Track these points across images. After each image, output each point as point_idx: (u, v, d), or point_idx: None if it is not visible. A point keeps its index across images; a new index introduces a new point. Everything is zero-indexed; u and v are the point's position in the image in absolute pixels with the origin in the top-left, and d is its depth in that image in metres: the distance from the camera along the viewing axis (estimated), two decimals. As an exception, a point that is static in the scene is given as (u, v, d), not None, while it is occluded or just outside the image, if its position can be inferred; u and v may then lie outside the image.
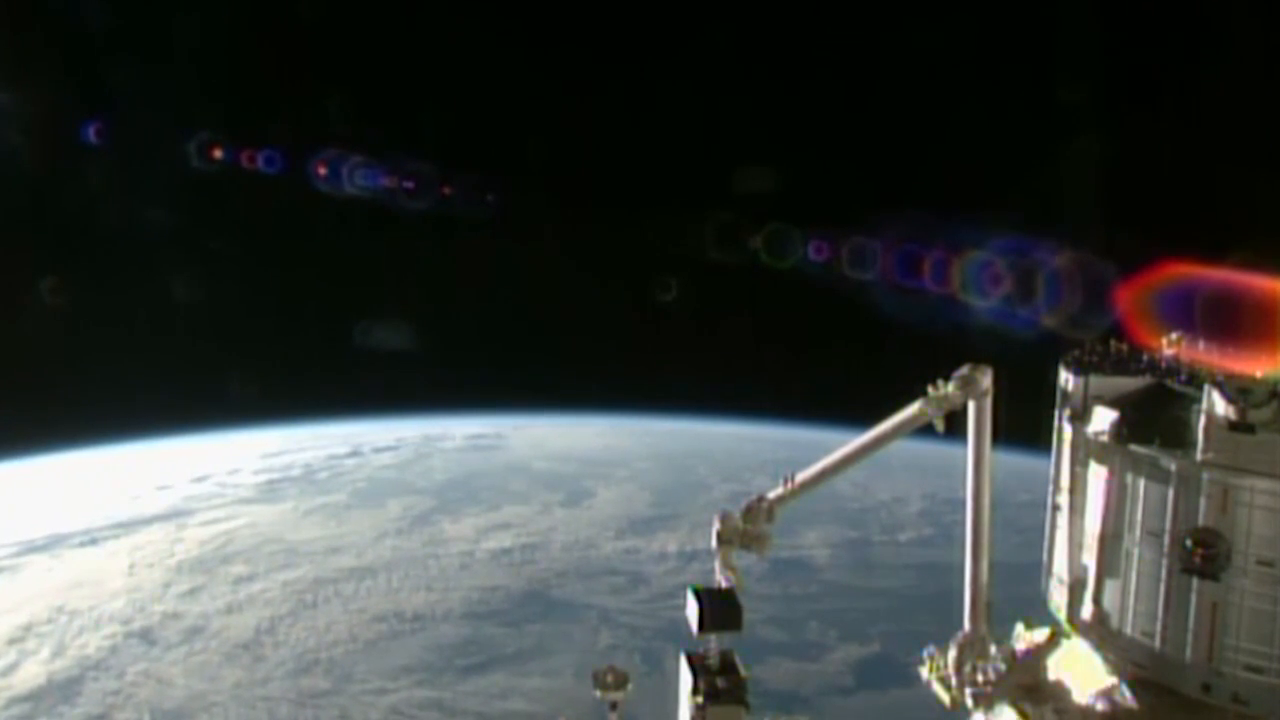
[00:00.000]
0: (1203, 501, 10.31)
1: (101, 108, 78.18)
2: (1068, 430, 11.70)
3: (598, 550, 68.45)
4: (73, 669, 52.69)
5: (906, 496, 75.16)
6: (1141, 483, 10.80)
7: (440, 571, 64.86)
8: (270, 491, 78.23)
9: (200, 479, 79.93)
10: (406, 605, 60.06)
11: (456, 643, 56.15)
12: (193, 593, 60.97)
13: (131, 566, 64.21)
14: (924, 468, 64.14)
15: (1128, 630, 10.92)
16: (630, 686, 12.11)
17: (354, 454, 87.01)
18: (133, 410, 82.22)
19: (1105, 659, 11.31)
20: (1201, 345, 11.30)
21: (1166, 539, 10.53)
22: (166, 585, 61.84)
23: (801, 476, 13.33)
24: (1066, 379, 11.85)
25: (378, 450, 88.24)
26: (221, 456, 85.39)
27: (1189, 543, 10.32)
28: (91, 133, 75.51)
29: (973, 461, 12.00)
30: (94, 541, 67.91)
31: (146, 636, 55.96)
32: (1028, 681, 11.48)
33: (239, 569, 64.33)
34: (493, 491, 78.20)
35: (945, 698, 11.88)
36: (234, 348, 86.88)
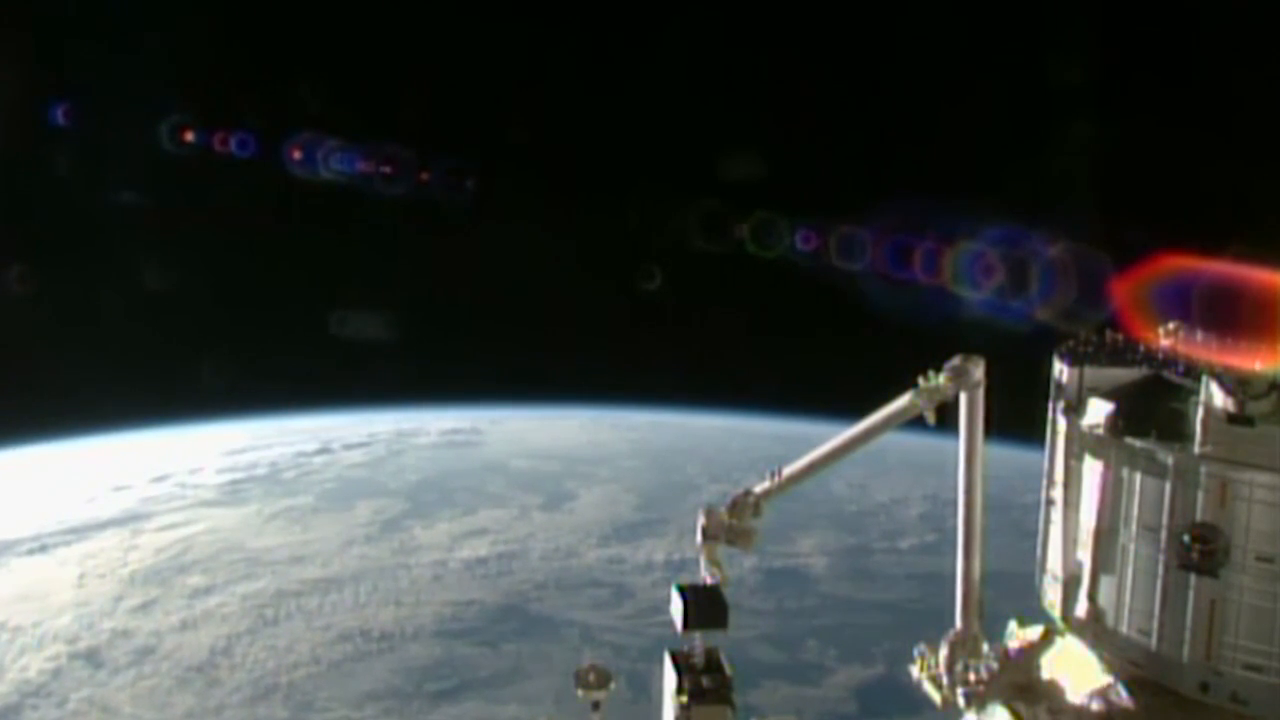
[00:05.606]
0: (1200, 496, 10.53)
1: (70, 89, 78.60)
2: (1062, 423, 11.97)
3: (579, 559, 68.50)
4: (10, 695, 52.37)
5: (906, 498, 75.44)
6: (1138, 476, 11.04)
7: (411, 583, 64.80)
8: (233, 493, 78.17)
9: (160, 479, 79.84)
10: (374, 622, 59.99)
11: (427, 664, 56.05)
12: (145, 607, 60.80)
13: (82, 577, 64.00)
14: (922, 465, 64.52)
15: (1123, 628, 11.18)
16: (613, 686, 12.48)
17: (323, 451, 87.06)
18: (94, 403, 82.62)
19: (1100, 657, 11.58)
20: (1199, 337, 11.57)
21: (1163, 534, 10.77)
22: (118, 599, 61.71)
23: (789, 471, 13.61)
24: (1061, 370, 12.14)
25: (348, 447, 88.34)
26: (184, 453, 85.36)
27: (1186, 538, 10.56)
28: (60, 115, 75.81)
29: (965, 455, 12.28)
30: (44, 549, 67.73)
31: (93, 658, 55.68)
32: (1021, 681, 11.74)
33: (196, 580, 64.17)
34: (468, 493, 78.28)
35: (937, 697, 12.15)
36: (202, 338, 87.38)
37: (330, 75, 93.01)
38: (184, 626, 59.03)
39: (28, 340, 78.23)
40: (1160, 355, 12.01)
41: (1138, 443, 11.11)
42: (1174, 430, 11.02)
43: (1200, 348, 11.48)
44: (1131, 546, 11.15)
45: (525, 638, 58.66)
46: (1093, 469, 11.62)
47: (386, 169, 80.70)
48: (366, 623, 59.94)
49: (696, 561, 13.92)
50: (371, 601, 62.47)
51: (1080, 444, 11.81)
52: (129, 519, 72.79)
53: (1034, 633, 12.08)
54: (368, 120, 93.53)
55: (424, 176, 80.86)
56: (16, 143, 77.08)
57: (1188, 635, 10.67)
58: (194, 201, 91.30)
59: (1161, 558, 10.84)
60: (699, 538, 13.69)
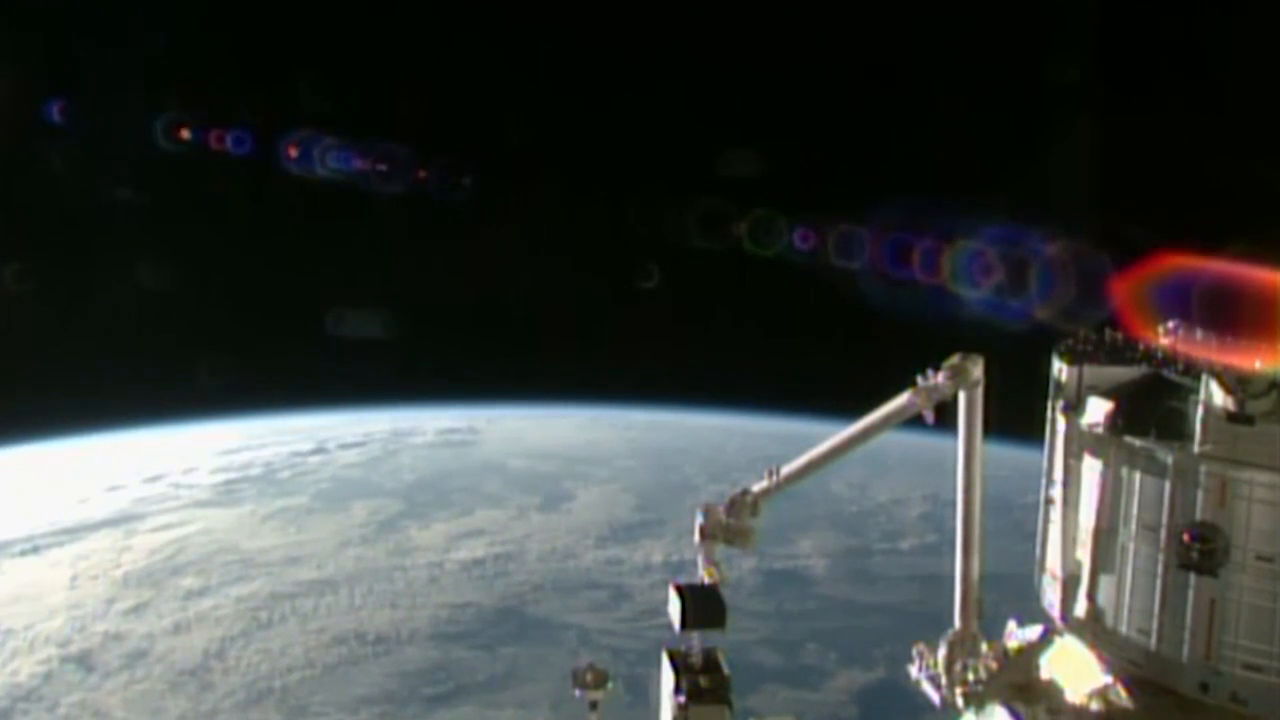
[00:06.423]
0: (1200, 495, 10.58)
1: (66, 86, 78.88)
2: (1061, 422, 12.01)
3: (577, 561, 68.52)
4: (1, 699, 52.31)
5: (906, 498, 75.52)
6: (1137, 475, 11.10)
7: (407, 585, 64.78)
8: (227, 493, 78.20)
9: (153, 479, 79.84)
10: (369, 625, 59.96)
11: (423, 668, 56.00)
12: (138, 610, 60.76)
13: (74, 579, 63.98)
14: (922, 464, 64.59)
15: (1123, 628, 11.24)
16: (611, 685, 12.56)
17: (318, 450, 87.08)
18: (87, 402, 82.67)
19: (1100, 657, 11.65)
20: (1199, 336, 11.61)
21: (1163, 533, 10.82)
22: (110, 601, 61.67)
23: (787, 470, 13.66)
24: (1060, 369, 12.19)
25: (344, 446, 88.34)
26: (178, 453, 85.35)
27: (1186, 537, 10.61)
28: (55, 111, 76.08)
29: (963, 454, 12.30)
30: (36, 550, 67.74)
31: (85, 661, 55.60)
32: (1020, 680, 11.74)
33: (189, 582, 64.16)
34: (465, 493, 78.29)
35: (935, 697, 12.22)
36: (197, 336, 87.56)
37: (327, 73, 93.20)
38: (177, 629, 58.99)
39: (20, 339, 78.40)
40: (1160, 354, 12.04)
41: (1137, 442, 11.15)
42: (1174, 429, 11.06)
43: (1200, 346, 11.51)
44: (1131, 546, 11.20)
45: (522, 640, 58.66)
46: (1092, 468, 11.68)
47: (383, 167, 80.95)
48: (362, 625, 59.92)
49: (695, 562, 13.98)
50: (367, 604, 62.47)
51: (1079, 443, 11.86)
52: (122, 520, 72.77)
53: (1033, 632, 12.10)
54: (365, 118, 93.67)
55: (421, 174, 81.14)
56: (12, 140, 77.32)
57: (1187, 635, 10.72)
58: (189, 199, 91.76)
59: (1161, 557, 10.89)
60: (697, 537, 13.77)
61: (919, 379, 12.51)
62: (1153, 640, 10.99)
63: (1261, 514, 10.42)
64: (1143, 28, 76.19)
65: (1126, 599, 11.26)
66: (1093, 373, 12.05)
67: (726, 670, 12.81)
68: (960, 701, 11.94)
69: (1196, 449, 10.74)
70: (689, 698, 12.48)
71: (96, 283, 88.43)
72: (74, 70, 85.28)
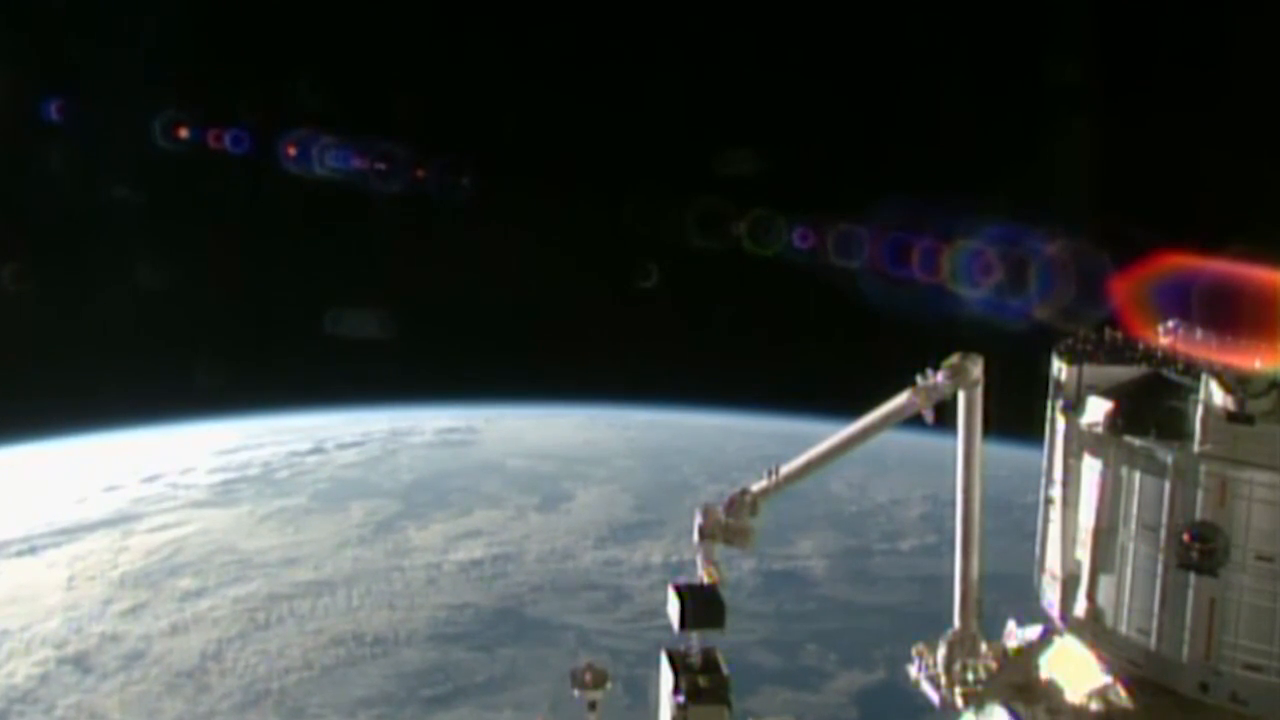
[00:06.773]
0: (1200, 494, 10.59)
1: (64, 85, 78.99)
2: (1061, 421, 12.03)
3: (576, 561, 68.49)
4: (-5, 702, 52.28)
5: (906, 498, 75.53)
6: (1137, 475, 11.11)
7: (405, 586, 64.73)
8: (225, 493, 78.14)
9: (151, 479, 79.77)
10: (367, 626, 59.83)
11: (421, 669, 55.94)
12: (135, 611, 60.70)
13: (71, 579, 63.90)
14: (922, 464, 64.60)
15: (1122, 628, 11.24)
16: (610, 685, 12.57)
17: (316, 450, 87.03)
18: (84, 402, 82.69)
19: (1099, 657, 11.66)
20: (1198, 335, 11.61)
21: (1163, 533, 10.83)
22: (107, 602, 61.60)
23: (786, 469, 13.66)
24: (1059, 368, 12.20)
25: (342, 446, 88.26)
26: (175, 453, 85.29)
27: (1186, 537, 10.62)
28: (53, 110, 76.18)
29: (963, 453, 12.33)
30: (33, 550, 67.64)
31: (81, 663, 55.50)
32: (1019, 680, 11.79)
33: (186, 583, 64.12)
34: (463, 493, 78.23)
35: (935, 697, 12.25)
36: (194, 336, 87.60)
37: (326, 72, 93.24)
38: (174, 630, 58.93)
39: (18, 339, 78.38)
40: (1159, 353, 12.04)
41: (1137, 441, 11.16)
42: (1173, 429, 11.07)
43: (1200, 346, 11.51)
44: (1130, 545, 11.21)
45: (521, 642, 58.62)
46: (1092, 468, 11.69)
47: (382, 166, 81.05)
48: (360, 627, 59.85)
49: (694, 563, 13.97)
50: (365, 605, 62.41)
51: (1079, 442, 11.87)
52: (119, 520, 72.69)
53: (1032, 632, 12.14)
54: (363, 117, 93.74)
55: (419, 173, 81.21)
56: (10, 140, 77.39)
57: (1187, 635, 10.73)
58: (187, 198, 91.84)
59: (1161, 557, 10.90)
60: (696, 537, 13.77)
61: (919, 379, 12.53)
62: (1153, 640, 10.99)
63: (1261, 514, 10.42)
64: (1143, 28, 76.26)
65: (1126, 599, 11.27)
66: (1093, 372, 12.05)
67: (726, 670, 12.82)
68: (960, 702, 11.97)
69: (1196, 449, 10.74)
70: (688, 698, 12.49)
71: (94, 282, 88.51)
72: (72, 70, 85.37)
